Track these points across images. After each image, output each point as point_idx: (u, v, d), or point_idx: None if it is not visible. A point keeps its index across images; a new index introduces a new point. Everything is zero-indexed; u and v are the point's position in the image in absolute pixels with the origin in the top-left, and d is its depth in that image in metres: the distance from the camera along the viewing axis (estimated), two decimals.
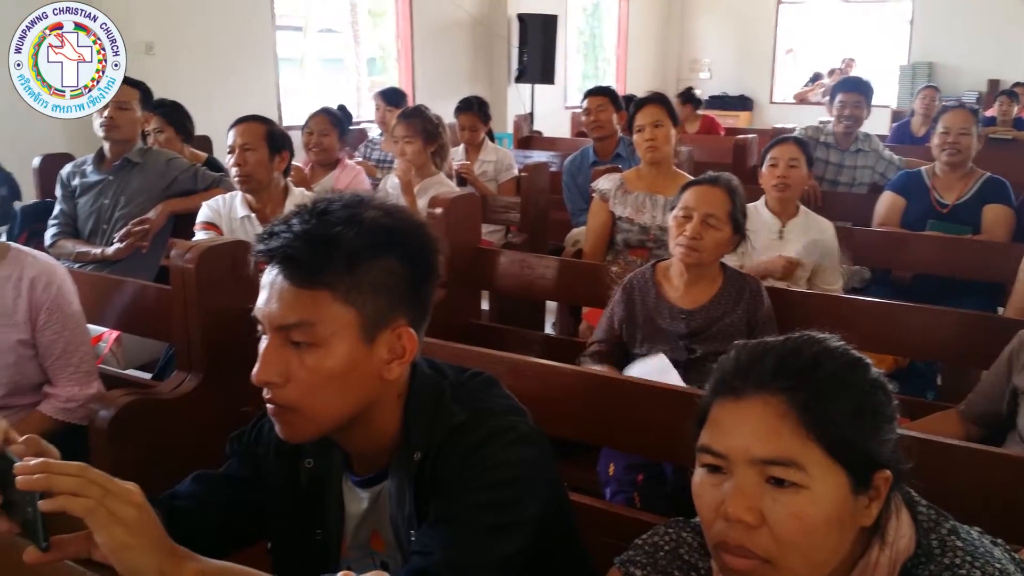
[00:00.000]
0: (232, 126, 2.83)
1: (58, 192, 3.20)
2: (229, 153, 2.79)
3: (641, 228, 3.08)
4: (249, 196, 2.82)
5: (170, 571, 0.92)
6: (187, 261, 1.96)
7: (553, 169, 4.20)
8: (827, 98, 4.30)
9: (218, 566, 0.97)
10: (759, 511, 0.89)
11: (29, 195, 3.51)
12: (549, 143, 6.10)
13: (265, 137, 2.77)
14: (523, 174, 3.88)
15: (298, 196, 2.88)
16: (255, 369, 1.06)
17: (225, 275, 2.00)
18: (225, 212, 2.83)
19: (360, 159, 4.59)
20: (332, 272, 1.03)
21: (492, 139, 4.80)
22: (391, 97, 4.81)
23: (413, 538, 1.10)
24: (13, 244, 2.11)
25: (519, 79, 8.41)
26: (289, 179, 2.97)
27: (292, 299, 1.03)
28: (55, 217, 3.17)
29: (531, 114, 7.70)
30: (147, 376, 2.66)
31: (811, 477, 0.89)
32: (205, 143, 4.33)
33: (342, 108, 4.27)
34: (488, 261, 2.93)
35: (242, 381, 2.02)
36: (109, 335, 2.74)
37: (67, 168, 3.23)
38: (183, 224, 3.18)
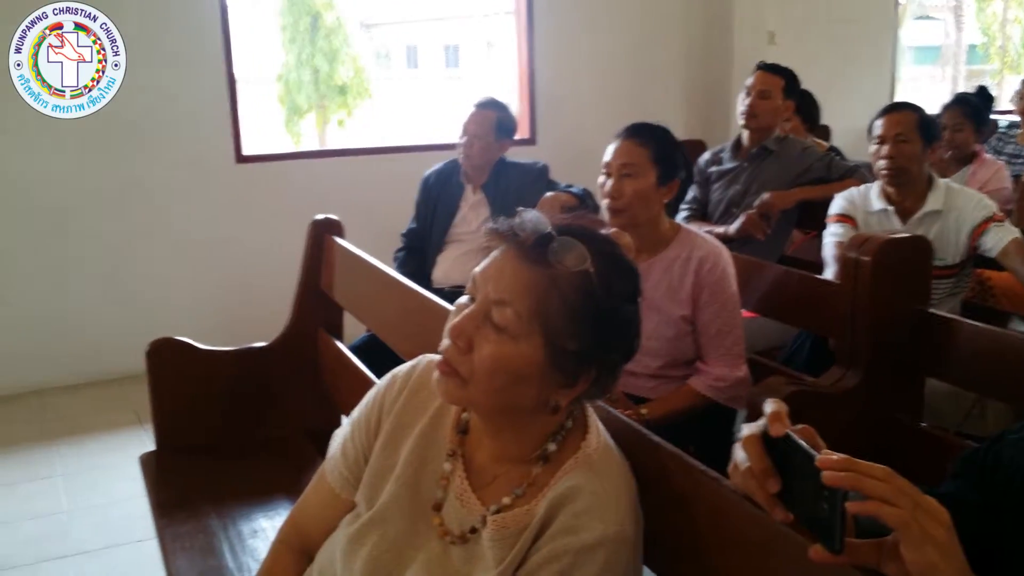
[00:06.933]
0: (881, 115, 2.69)
1: (695, 178, 3.37)
2: (877, 143, 2.66)
3: None
4: (889, 188, 2.65)
5: None
6: (863, 252, 1.85)
7: None
8: None
9: None
10: None
11: None
12: None
13: (918, 126, 2.62)
14: None
15: (943, 188, 2.64)
16: None
17: (900, 271, 1.86)
18: (860, 204, 2.73)
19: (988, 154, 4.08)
20: None
21: None
22: None
23: None
24: (683, 225, 2.23)
25: None
26: (931, 169, 2.75)
27: None
28: (687, 202, 3.34)
29: None
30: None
31: None
32: (824, 132, 4.24)
33: (982, 90, 3.80)
34: None
35: (900, 387, 1.90)
36: None
37: (705, 156, 3.37)
38: (808, 214, 3.13)
